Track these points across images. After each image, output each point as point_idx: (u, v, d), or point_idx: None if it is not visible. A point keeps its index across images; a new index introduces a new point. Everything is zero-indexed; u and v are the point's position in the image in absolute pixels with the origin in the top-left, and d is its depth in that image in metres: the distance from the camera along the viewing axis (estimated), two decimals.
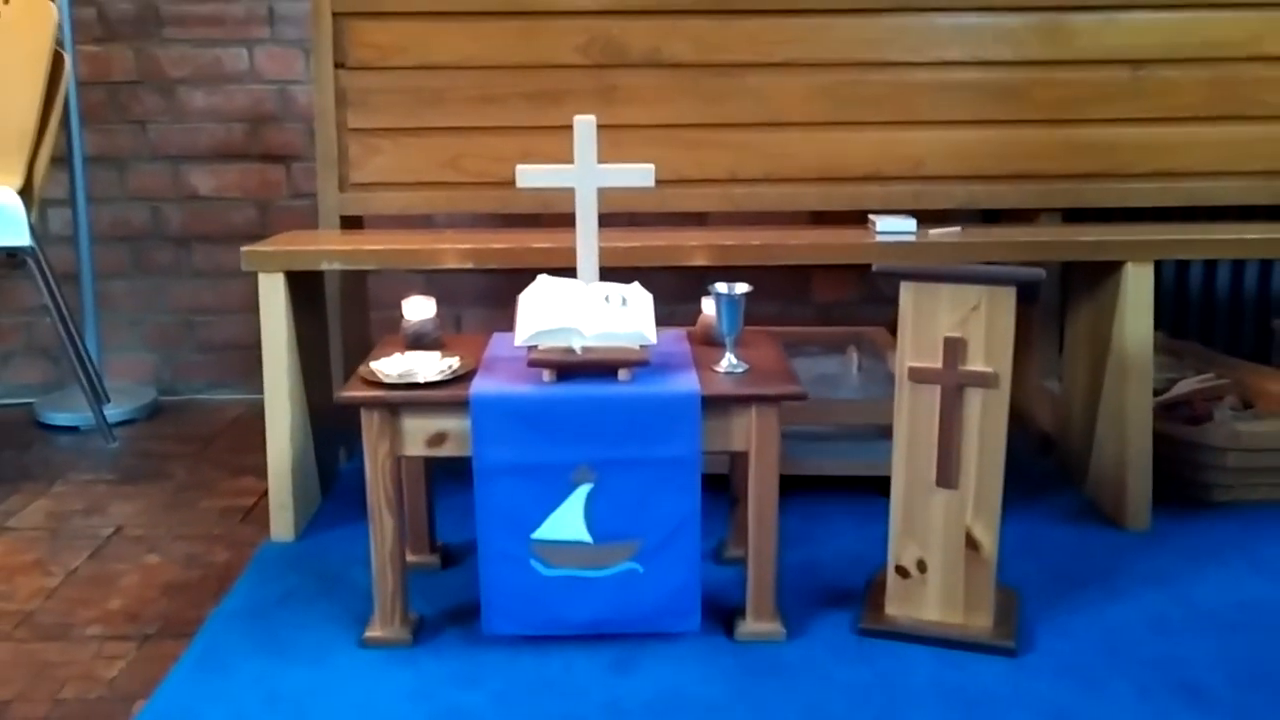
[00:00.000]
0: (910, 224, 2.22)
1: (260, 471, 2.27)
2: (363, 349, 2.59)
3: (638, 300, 1.74)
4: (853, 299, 3.05)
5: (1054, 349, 2.59)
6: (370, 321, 2.69)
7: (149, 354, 3.06)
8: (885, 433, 2.16)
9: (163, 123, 2.93)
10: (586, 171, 1.79)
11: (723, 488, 1.99)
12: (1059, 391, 2.48)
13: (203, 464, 2.57)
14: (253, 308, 2.11)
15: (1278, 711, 1.54)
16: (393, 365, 1.71)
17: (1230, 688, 1.60)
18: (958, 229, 2.26)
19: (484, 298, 3.02)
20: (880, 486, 2.19)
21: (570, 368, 1.65)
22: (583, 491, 1.64)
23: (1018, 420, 1.72)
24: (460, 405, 1.63)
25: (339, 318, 2.44)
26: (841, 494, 2.27)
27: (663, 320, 1.81)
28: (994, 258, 2.13)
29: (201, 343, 3.06)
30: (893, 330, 2.68)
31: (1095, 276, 2.21)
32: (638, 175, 1.80)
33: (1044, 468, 2.43)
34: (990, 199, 2.51)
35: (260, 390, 2.14)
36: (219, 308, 3.03)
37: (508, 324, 1.81)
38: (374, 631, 1.72)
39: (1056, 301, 2.56)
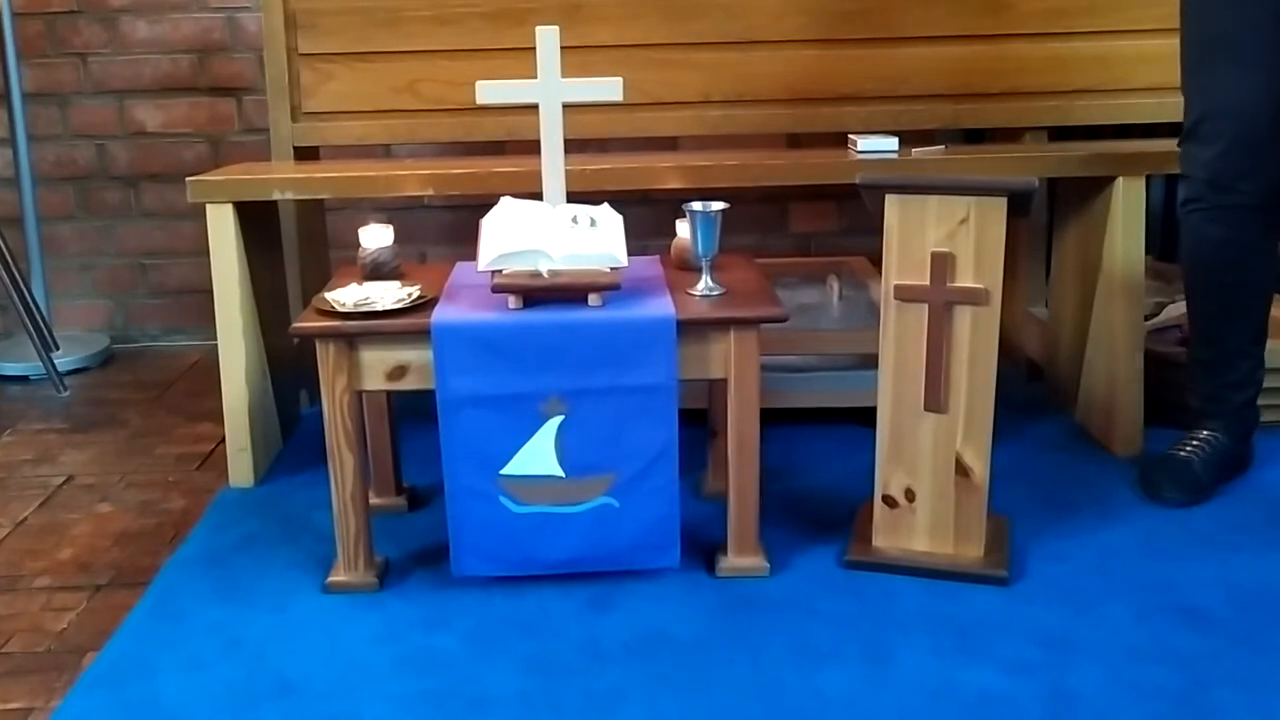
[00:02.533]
0: (892, 143, 2.13)
1: (219, 418, 2.17)
2: (323, 287, 2.49)
3: (607, 221, 1.64)
4: (832, 229, 2.96)
5: (1041, 275, 2.51)
6: (330, 261, 2.57)
7: (100, 299, 2.94)
8: (868, 362, 2.09)
9: (105, 55, 2.78)
10: (551, 85, 1.69)
11: (700, 422, 1.91)
12: (1046, 317, 2.40)
13: (158, 411, 2.47)
14: (208, 249, 2.01)
15: (1276, 630, 1.49)
16: (349, 294, 1.61)
17: (1229, 608, 1.55)
18: (941, 148, 2.17)
19: (448, 235, 2.90)
20: (863, 417, 2.13)
21: (537, 292, 1.55)
22: (553, 424, 1.56)
23: (1004, 348, 1.64)
24: (421, 335, 1.54)
25: (296, 255, 2.33)
26: (823, 426, 2.19)
27: (635, 254, 1.72)
28: (970, 173, 2.04)
29: (155, 287, 2.94)
30: (874, 260, 2.60)
31: (1084, 194, 2.13)
32: (605, 89, 1.70)
33: (1032, 395, 2.36)
34: (975, 118, 2.41)
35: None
36: (172, 250, 2.90)
37: (473, 257, 1.71)
38: (337, 576, 1.64)
39: (1044, 224, 2.48)
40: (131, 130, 2.83)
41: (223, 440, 2.14)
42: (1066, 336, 2.26)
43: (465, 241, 2.88)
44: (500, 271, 1.56)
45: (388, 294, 1.61)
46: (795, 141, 2.48)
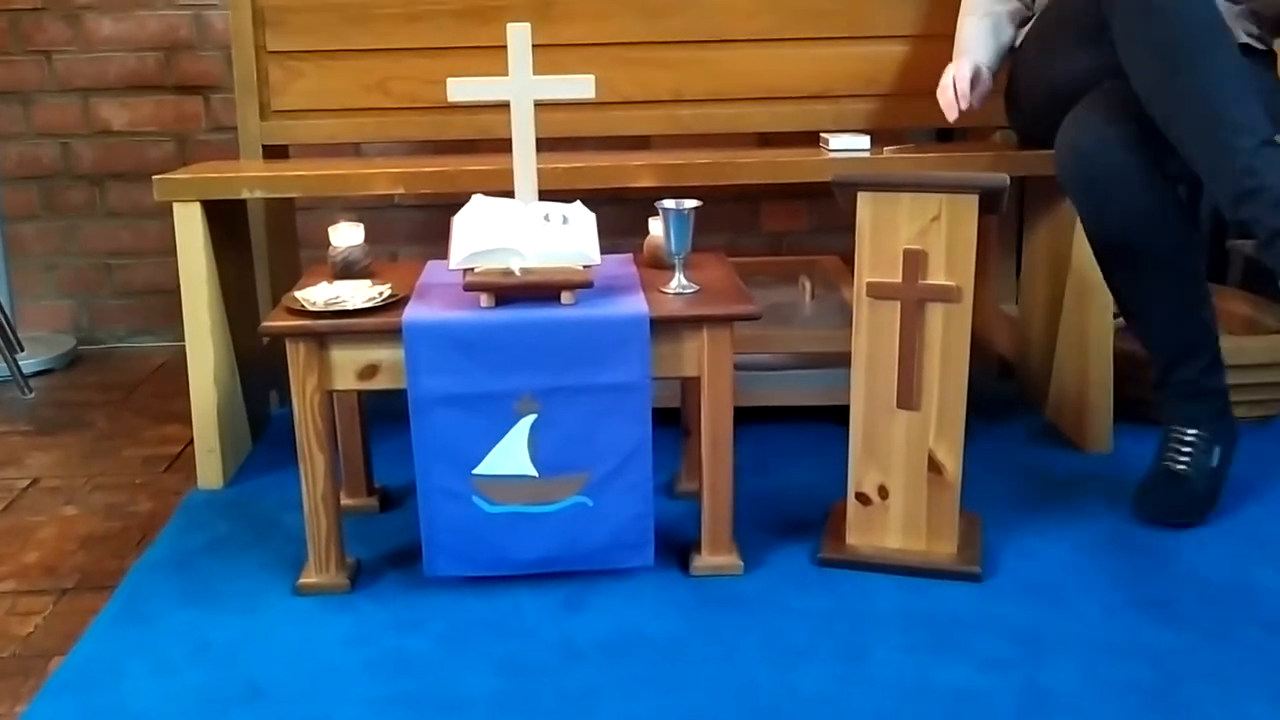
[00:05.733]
0: (864, 141, 2.13)
1: (187, 419, 2.14)
2: (292, 287, 2.46)
3: (580, 219, 1.63)
4: (803, 229, 2.96)
5: (1011, 273, 2.53)
6: (300, 260, 2.55)
7: (65, 300, 2.90)
8: (840, 361, 2.10)
9: (70, 53, 2.75)
10: (522, 82, 1.67)
11: (673, 421, 1.90)
12: (1017, 315, 2.42)
13: (125, 413, 2.44)
14: (174, 250, 1.98)
15: (1247, 624, 1.50)
16: (319, 293, 1.59)
17: (1198, 603, 1.56)
18: (912, 146, 2.18)
19: (419, 234, 2.89)
20: (835, 416, 2.14)
21: (509, 291, 1.54)
22: (526, 423, 1.55)
23: (975, 346, 1.64)
24: (393, 334, 1.52)
25: (265, 254, 2.31)
26: (795, 424, 2.20)
27: (607, 253, 1.71)
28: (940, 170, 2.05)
29: (120, 287, 2.90)
30: (845, 259, 2.61)
31: (1054, 193, 2.14)
32: (577, 86, 1.69)
33: (1003, 392, 2.38)
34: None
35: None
36: (138, 250, 2.87)
37: (444, 256, 1.69)
38: (309, 578, 1.62)
39: (1014, 222, 2.50)
40: (97, 129, 2.79)
41: (190, 442, 2.11)
42: (1037, 334, 2.27)
43: (436, 240, 2.88)
44: (472, 270, 1.55)
45: (358, 293, 1.59)
46: (766, 140, 2.48)
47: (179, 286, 1.98)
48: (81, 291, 2.90)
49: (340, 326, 1.53)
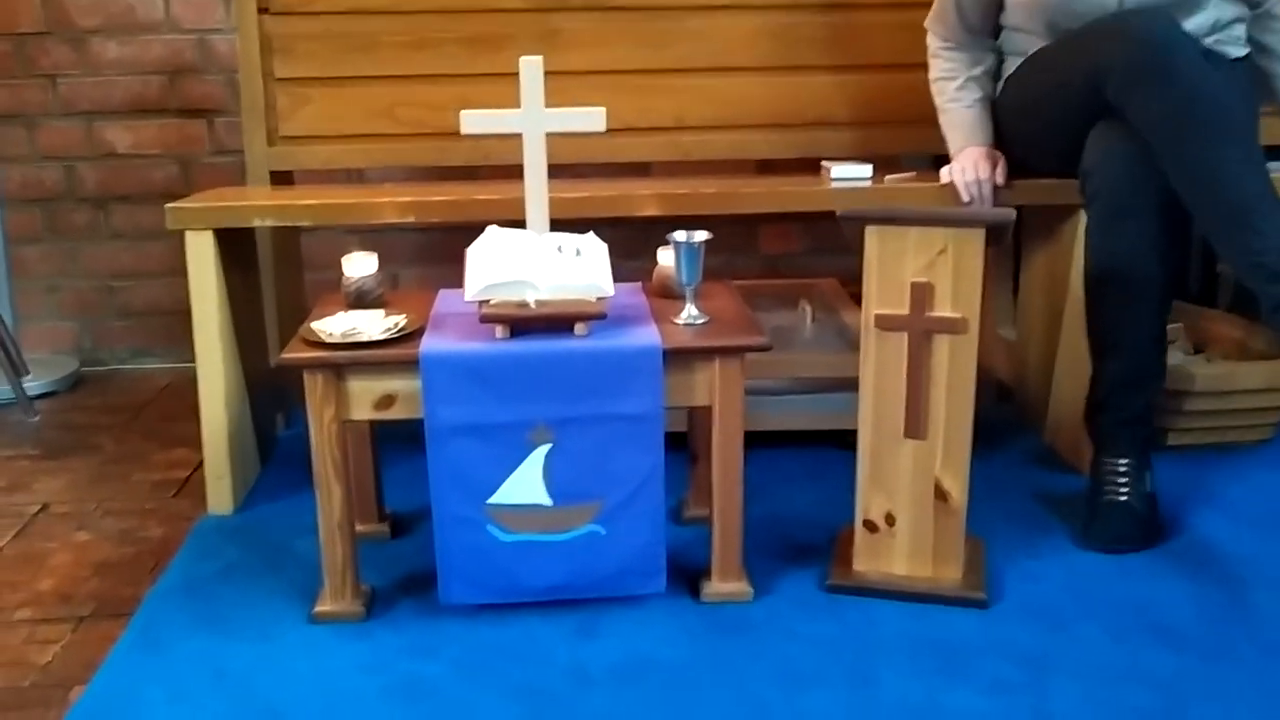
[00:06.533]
0: (866, 170, 2.17)
1: (194, 442, 2.16)
2: (298, 310, 2.49)
3: (592, 251, 1.66)
4: (800, 251, 3.00)
5: (1009, 296, 2.56)
6: (304, 281, 2.57)
7: (68, 322, 2.91)
8: (840, 385, 2.13)
9: (74, 76, 2.76)
10: (534, 115, 1.70)
11: (681, 445, 1.93)
12: (1014, 339, 2.45)
13: (132, 436, 2.45)
14: (177, 270, 2.00)
15: (1249, 646, 1.53)
16: (335, 324, 1.61)
17: (1200, 625, 1.59)
18: (912, 174, 2.22)
19: (422, 256, 2.91)
20: (838, 439, 2.17)
21: (524, 322, 1.57)
22: (541, 452, 1.57)
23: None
24: (410, 364, 1.55)
25: (271, 277, 2.33)
26: (797, 448, 2.22)
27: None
28: (949, 202, 2.09)
29: (123, 308, 2.91)
30: (843, 281, 2.64)
31: (1051, 220, 2.18)
32: (588, 119, 1.72)
33: (1002, 415, 2.41)
34: (942, 144, 2.46)
35: (190, 357, 2.03)
36: (141, 271, 2.88)
37: (448, 281, 1.72)
38: (324, 606, 1.64)
39: (1011, 247, 2.53)
40: (101, 151, 2.81)
41: (199, 466, 2.13)
42: (1035, 358, 2.31)
43: (438, 262, 2.90)
44: (487, 302, 1.58)
45: (374, 324, 1.62)
46: (766, 166, 2.52)
47: (182, 308, 1.99)
48: (84, 313, 2.91)
49: (358, 358, 1.55)
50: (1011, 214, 1.57)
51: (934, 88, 2.17)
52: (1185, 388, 2.16)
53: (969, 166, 2.06)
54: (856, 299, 2.33)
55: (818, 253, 2.98)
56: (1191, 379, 2.15)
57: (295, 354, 1.55)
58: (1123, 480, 1.86)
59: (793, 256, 3.00)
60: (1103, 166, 1.81)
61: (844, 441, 2.15)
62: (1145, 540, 1.83)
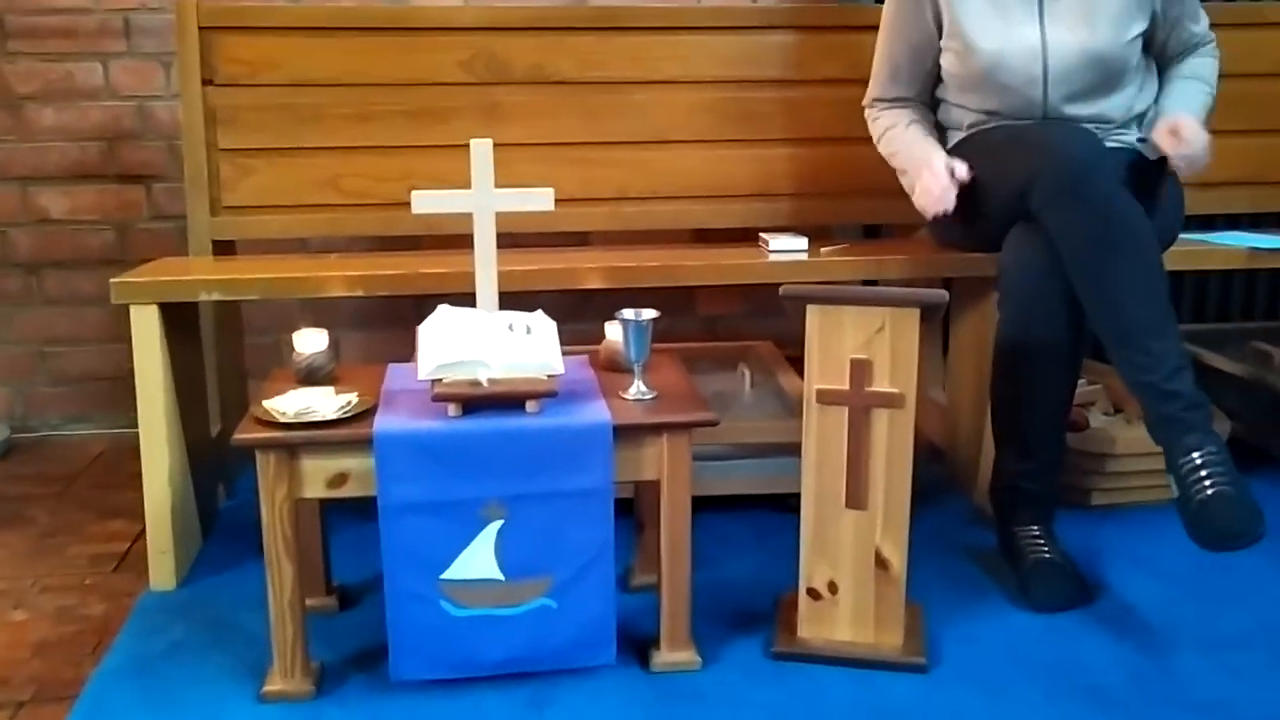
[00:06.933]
0: (802, 242, 2.24)
1: (132, 513, 2.14)
2: (239, 376, 2.48)
3: (542, 328, 1.70)
4: (737, 312, 3.07)
5: (939, 359, 2.65)
6: (244, 345, 2.56)
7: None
8: (780, 450, 2.19)
9: (10, 142, 2.74)
10: (484, 196, 1.75)
11: (628, 511, 1.96)
12: (944, 401, 2.54)
13: (66, 506, 2.41)
14: (113, 337, 1.98)
15: (1177, 708, 1.60)
16: (288, 403, 1.62)
17: (1129, 687, 1.66)
18: (845, 245, 2.30)
19: (359, 321, 2.91)
20: (776, 503, 2.22)
21: (477, 400, 1.60)
22: (493, 528, 1.60)
23: None
24: (364, 443, 1.57)
25: (214, 346, 2.33)
26: (738, 511, 2.27)
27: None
28: (880, 275, 2.17)
29: (56, 375, 2.87)
30: (779, 344, 2.71)
31: (977, 288, 2.27)
32: (537, 200, 1.77)
33: (934, 476, 2.48)
34: (873, 214, 2.56)
35: (126, 424, 2.02)
36: (75, 337, 2.85)
37: (388, 346, 1.75)
38: (273, 685, 1.64)
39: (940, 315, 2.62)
40: (35, 217, 2.78)
41: (139, 537, 2.11)
42: (965, 421, 2.39)
43: (377, 325, 2.91)
44: (440, 380, 1.60)
45: (327, 402, 1.63)
46: (701, 234, 2.58)
47: (118, 373, 1.99)
48: (16, 379, 2.86)
49: (312, 438, 1.57)
50: (944, 295, 1.64)
51: (882, 142, 2.23)
52: (1107, 450, 2.25)
53: (927, 179, 2.05)
54: (793, 362, 2.40)
55: (754, 315, 3.05)
56: (1113, 442, 2.25)
57: (249, 434, 1.56)
58: (1040, 541, 1.95)
59: (730, 318, 3.07)
60: (1016, 268, 1.92)
61: (783, 504, 2.21)
62: (1083, 596, 1.91)
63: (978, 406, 2.31)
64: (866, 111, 2.28)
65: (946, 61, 2.13)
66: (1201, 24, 2.16)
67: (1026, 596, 1.90)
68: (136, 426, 1.97)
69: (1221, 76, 2.21)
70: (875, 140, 2.26)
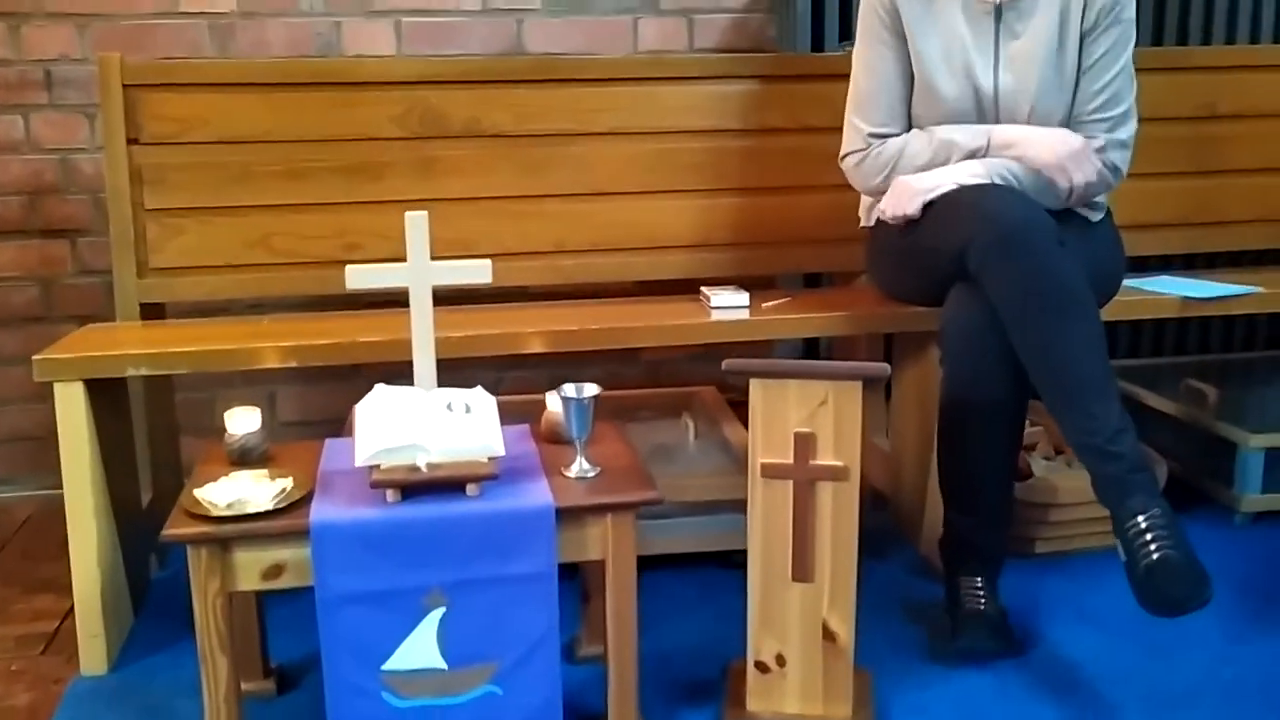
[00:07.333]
0: (743, 298, 2.23)
1: (61, 587, 2.07)
2: (170, 435, 2.42)
3: (481, 407, 1.66)
4: (679, 357, 3.05)
5: (882, 405, 2.66)
6: (175, 408, 2.49)
7: None
8: (725, 506, 2.17)
9: None
10: (421, 269, 1.71)
11: (572, 575, 1.93)
12: (888, 448, 2.54)
13: None
14: (38, 397, 1.91)
15: None
16: (220, 493, 1.57)
17: None
18: (787, 298, 2.29)
19: (299, 375, 2.84)
20: (721, 559, 2.21)
21: (416, 486, 1.56)
22: (435, 616, 1.56)
23: None
24: (300, 534, 1.52)
25: (143, 415, 2.26)
26: (682, 569, 2.24)
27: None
28: (824, 332, 2.17)
29: None
30: (722, 388, 2.70)
31: (920, 340, 2.28)
32: (474, 271, 1.73)
33: (878, 523, 2.48)
34: (816, 262, 2.56)
35: (53, 484, 1.94)
36: None
37: (326, 399, 1.69)
38: None
39: (881, 356, 2.63)
40: None
41: (67, 615, 2.04)
42: (909, 470, 2.40)
43: (305, 382, 2.84)
44: (378, 466, 1.57)
45: (261, 490, 1.58)
46: (644, 285, 2.56)
47: (43, 433, 1.91)
48: None
49: (246, 530, 1.52)
50: (885, 368, 1.64)
51: (903, 159, 2.10)
52: (1049, 500, 2.27)
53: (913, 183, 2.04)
54: (736, 408, 2.39)
55: (697, 360, 3.04)
56: (1055, 491, 2.27)
57: (179, 530, 1.51)
58: (978, 592, 1.96)
59: (672, 362, 3.05)
60: (956, 328, 1.93)
61: (728, 561, 2.19)
62: (1009, 649, 1.93)
63: (921, 456, 2.31)
64: (859, 153, 2.14)
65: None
66: (1116, 107, 2.07)
67: (954, 643, 1.92)
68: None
69: (1150, 120, 2.23)
70: (881, 172, 2.12)
